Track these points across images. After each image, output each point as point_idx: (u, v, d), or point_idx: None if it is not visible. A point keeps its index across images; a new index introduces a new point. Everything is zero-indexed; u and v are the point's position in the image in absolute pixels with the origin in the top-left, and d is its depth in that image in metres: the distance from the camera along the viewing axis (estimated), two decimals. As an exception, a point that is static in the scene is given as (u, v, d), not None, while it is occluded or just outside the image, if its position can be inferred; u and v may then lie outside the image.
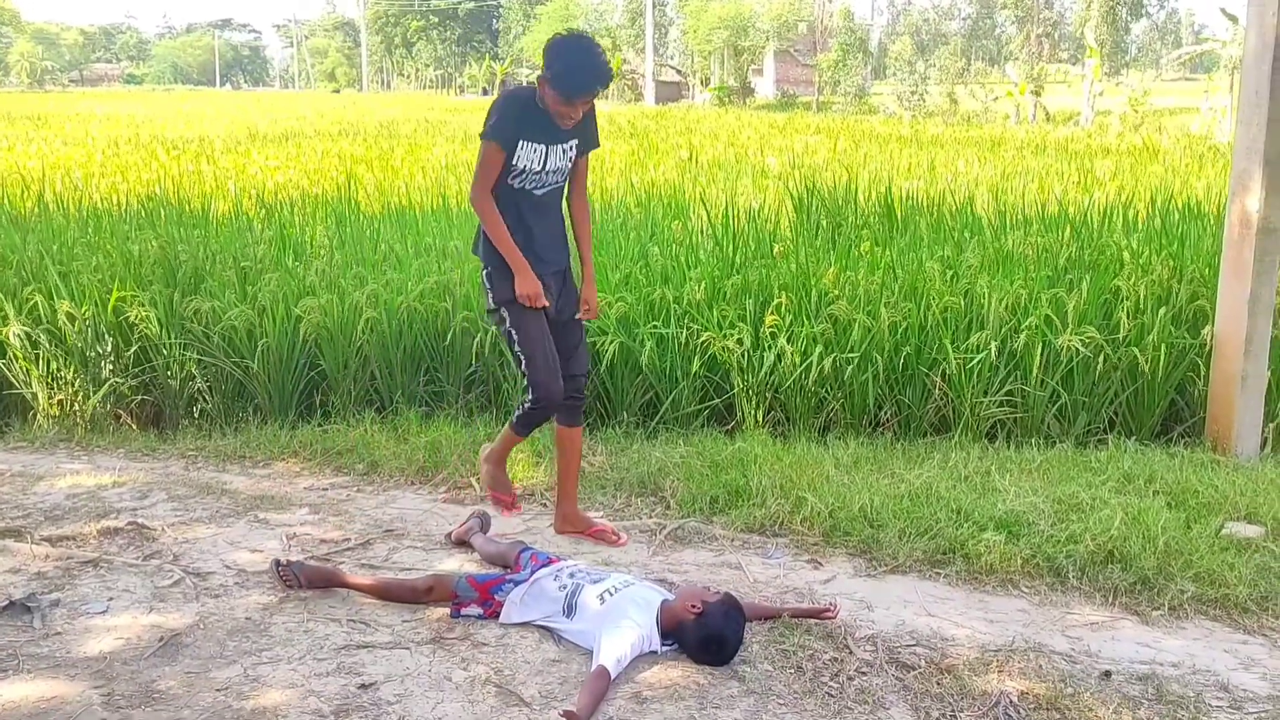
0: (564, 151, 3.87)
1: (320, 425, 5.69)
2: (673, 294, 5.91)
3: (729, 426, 5.66)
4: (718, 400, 5.74)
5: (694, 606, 3.21)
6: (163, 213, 8.49)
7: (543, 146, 3.78)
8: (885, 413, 5.65)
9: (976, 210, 8.55)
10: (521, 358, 3.94)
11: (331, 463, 5.24)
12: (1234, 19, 37.18)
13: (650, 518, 4.54)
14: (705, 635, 3.18)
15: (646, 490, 4.79)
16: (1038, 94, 44.95)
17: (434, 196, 10.42)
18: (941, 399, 5.55)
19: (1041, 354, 5.39)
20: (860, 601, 3.74)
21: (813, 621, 3.51)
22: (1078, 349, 5.32)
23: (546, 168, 3.83)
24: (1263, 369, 5.07)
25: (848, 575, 3.99)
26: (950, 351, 5.42)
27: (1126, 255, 6.20)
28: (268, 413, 5.93)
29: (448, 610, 3.51)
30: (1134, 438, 5.37)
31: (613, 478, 4.91)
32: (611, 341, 5.61)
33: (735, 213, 7.99)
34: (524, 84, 4.18)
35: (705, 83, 67.18)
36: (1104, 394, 5.51)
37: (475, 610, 3.47)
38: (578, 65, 3.67)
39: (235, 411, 6.07)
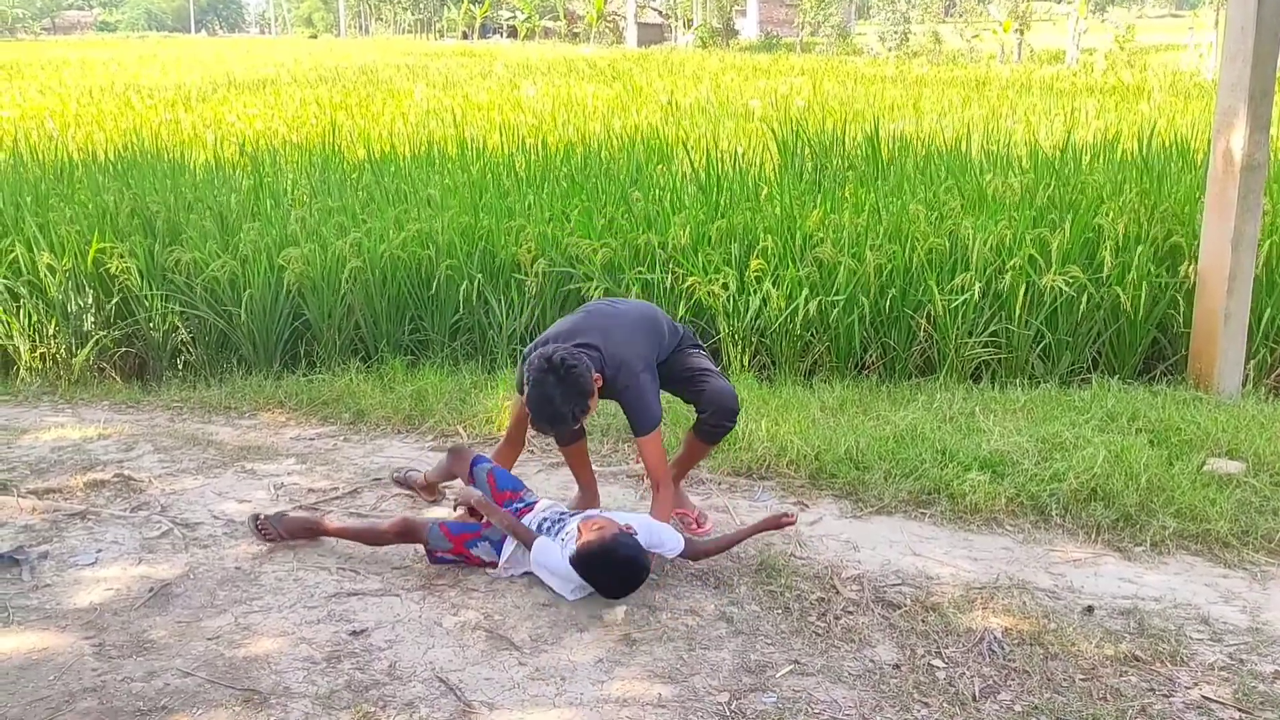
0: None
1: (305, 375, 5.68)
2: (657, 239, 5.87)
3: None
4: (704, 345, 5.73)
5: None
6: (141, 163, 8.37)
7: None
8: (870, 355, 5.66)
9: (963, 151, 8.50)
10: None
11: (318, 412, 5.24)
12: (1219, -47, 36.75)
13: (638, 462, 4.55)
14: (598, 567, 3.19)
15: (629, 436, 4.79)
16: (1022, 32, 44.50)
17: (417, 143, 10.30)
18: (926, 341, 5.57)
19: (1025, 294, 5.40)
20: (846, 542, 3.78)
21: (799, 561, 3.55)
22: (1061, 288, 5.33)
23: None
24: (1245, 306, 5.09)
25: (834, 517, 4.02)
26: (935, 293, 5.42)
27: (1108, 192, 6.18)
28: (252, 363, 5.91)
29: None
30: (1117, 376, 5.40)
31: (599, 423, 4.92)
32: (597, 287, 5.59)
33: (719, 157, 7.93)
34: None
35: (688, 24, 66.27)
36: (1087, 333, 5.53)
37: (449, 558, 3.49)
38: (530, 391, 3.36)
39: (220, 363, 6.04)
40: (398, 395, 5.25)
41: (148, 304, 6.03)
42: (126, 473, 4.29)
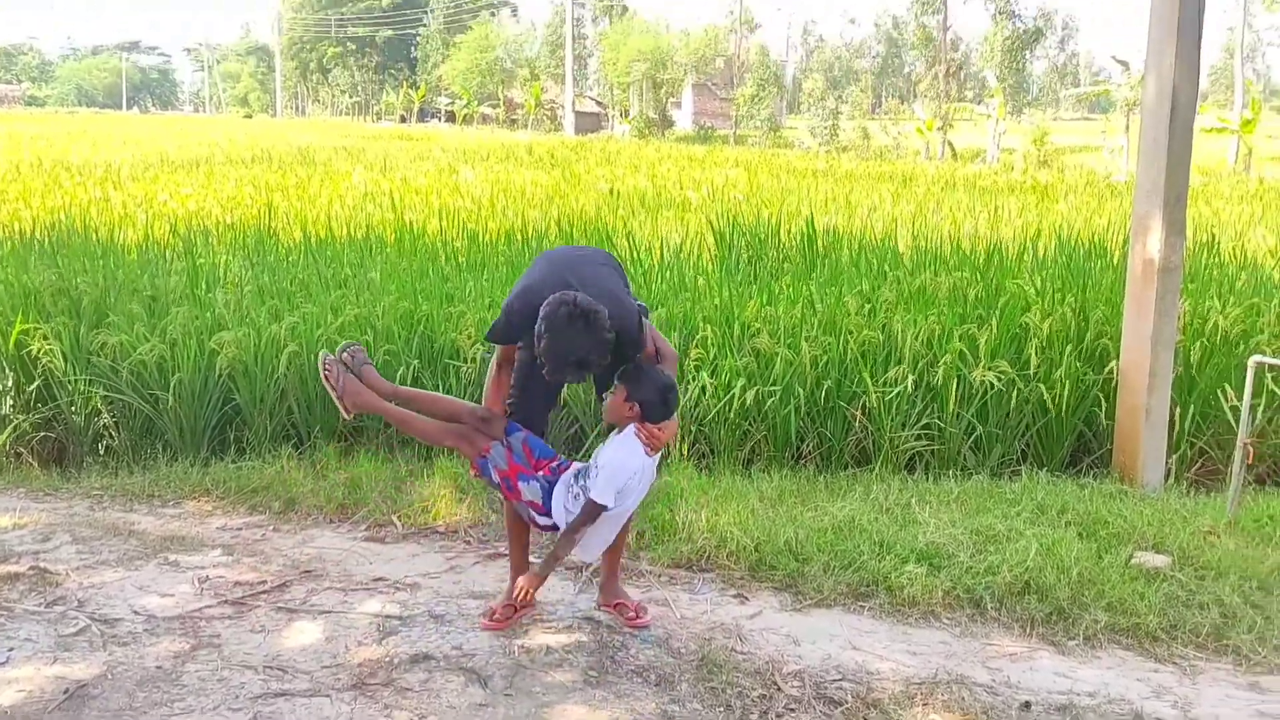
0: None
1: (234, 462, 5.54)
2: (597, 327, 5.90)
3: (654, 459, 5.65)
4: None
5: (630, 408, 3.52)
6: (68, 242, 8.22)
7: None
8: (807, 445, 5.71)
9: (892, 246, 8.73)
10: None
11: (245, 501, 5.10)
12: (1125, 64, 38.85)
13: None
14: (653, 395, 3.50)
15: (571, 526, 4.75)
16: (945, 131, 46.31)
17: (354, 226, 10.28)
18: (862, 431, 5.64)
19: (957, 388, 5.52)
20: (787, 636, 3.76)
21: (740, 657, 3.52)
22: (991, 383, 5.45)
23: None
24: (1165, 402, 5.26)
25: (774, 610, 4.01)
26: (870, 385, 5.51)
27: (1032, 293, 6.39)
28: (178, 449, 5.75)
29: (378, 636, 3.50)
30: (1045, 469, 5.51)
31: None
32: (536, 375, 5.58)
33: (659, 246, 8.04)
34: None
35: (624, 114, 67.74)
36: (1016, 426, 5.65)
37: (495, 479, 3.57)
38: (550, 343, 3.29)
39: (144, 449, 5.87)
40: (330, 483, 5.15)
41: (70, 388, 5.86)
42: (42, 565, 4.12)
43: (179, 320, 5.96)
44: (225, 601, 3.84)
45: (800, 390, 5.57)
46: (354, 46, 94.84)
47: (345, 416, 3.77)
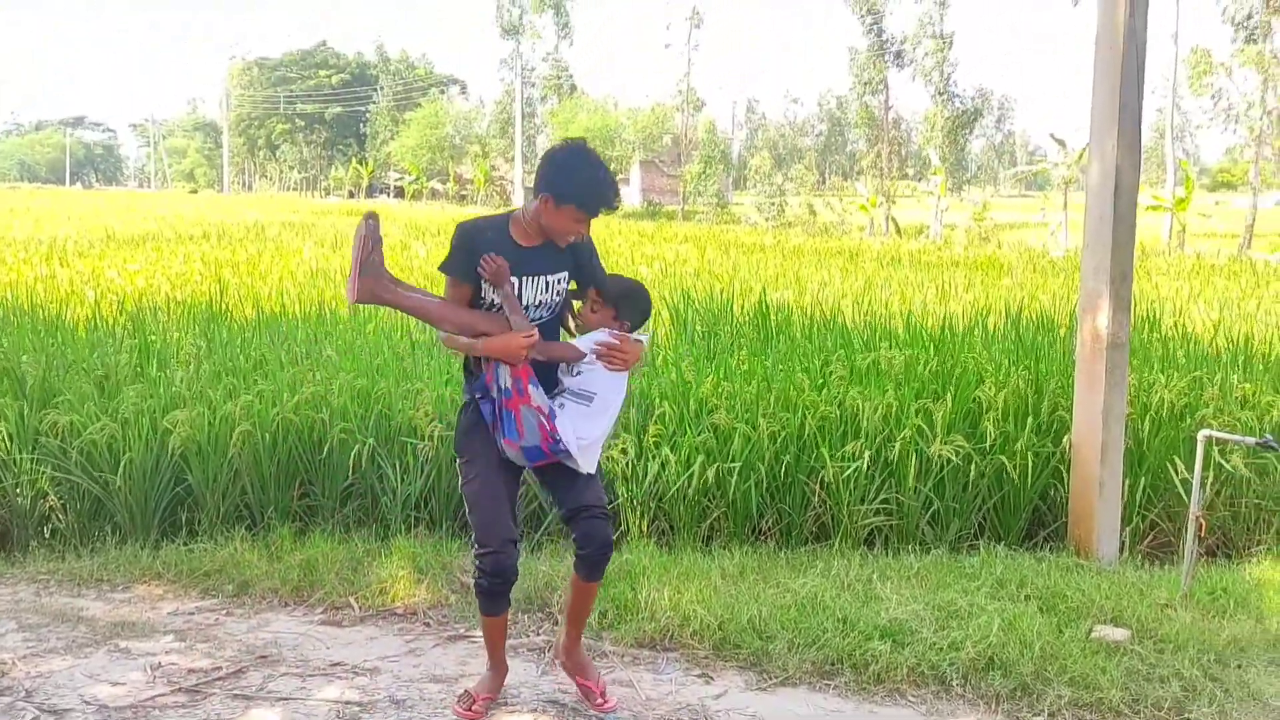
0: (548, 285, 3.49)
1: (186, 544, 5.41)
2: (555, 404, 5.90)
3: (614, 536, 5.61)
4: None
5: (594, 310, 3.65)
6: (13, 320, 8.07)
7: (514, 279, 3.41)
8: (767, 520, 5.72)
9: (843, 321, 8.88)
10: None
11: (198, 584, 4.97)
12: (1062, 143, 40.26)
13: (538, 635, 4.45)
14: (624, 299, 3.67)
15: (533, 606, 4.70)
16: (889, 207, 47.44)
17: (307, 302, 10.22)
18: (821, 507, 5.66)
19: (914, 462, 5.58)
20: (753, 717, 3.74)
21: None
22: (949, 458, 5.52)
23: (527, 303, 3.45)
24: (1118, 475, 5.36)
25: (739, 689, 3.98)
26: (828, 460, 5.55)
27: (987, 367, 6.51)
28: (128, 532, 5.61)
29: None
30: (1003, 543, 5.57)
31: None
32: (495, 453, 5.55)
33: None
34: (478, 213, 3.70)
35: (573, 190, 68.33)
36: (973, 500, 5.72)
37: (507, 381, 3.41)
38: (598, 178, 3.33)
39: (92, 531, 5.71)
40: (285, 565, 5.05)
41: (16, 469, 5.71)
42: (-14, 654, 3.97)
43: (131, 399, 5.86)
44: (179, 689, 3.73)
45: (759, 466, 5.60)
46: (303, 123, 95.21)
47: (348, 300, 3.54)
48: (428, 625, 4.54)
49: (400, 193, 77.32)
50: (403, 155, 75.03)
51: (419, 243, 23.50)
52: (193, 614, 4.64)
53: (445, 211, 51.45)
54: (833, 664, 4.12)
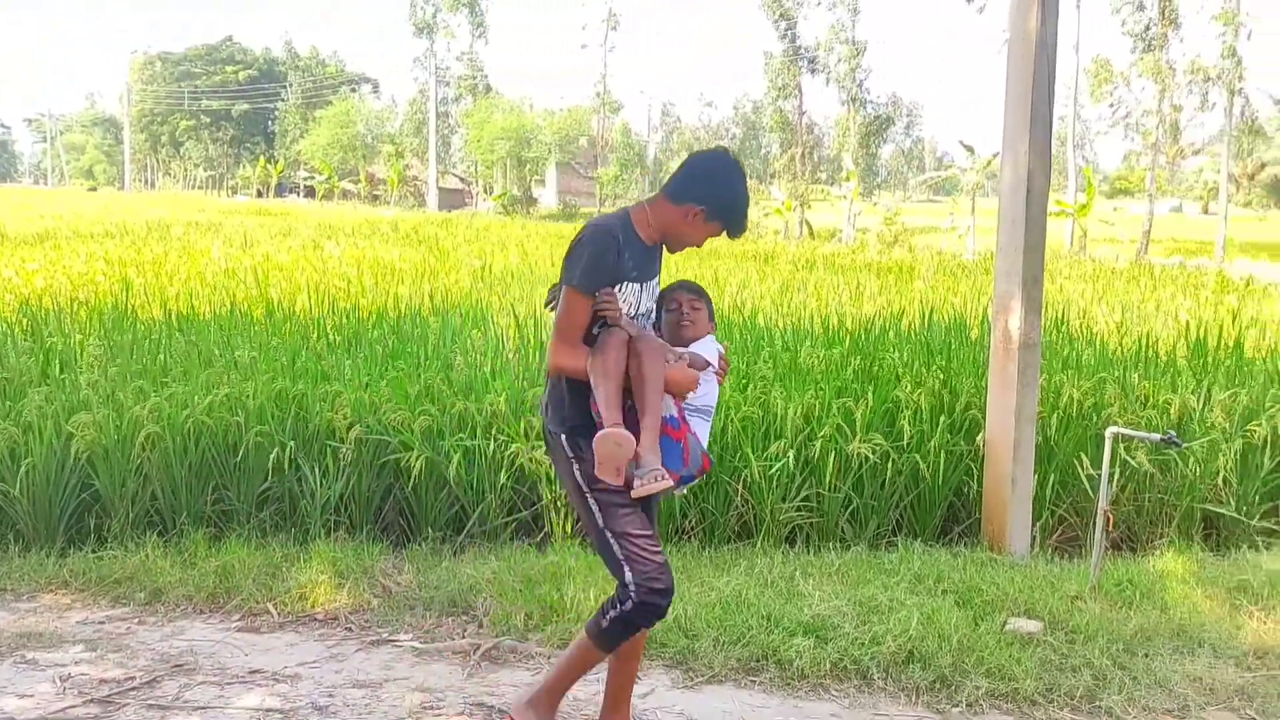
0: (653, 290, 3.23)
1: (94, 552, 5.23)
2: (475, 405, 5.85)
3: (538, 538, 5.61)
4: (525, 513, 5.69)
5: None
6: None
7: (638, 286, 3.11)
8: (690, 520, 5.75)
9: (764, 322, 8.98)
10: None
11: (108, 593, 4.81)
12: (970, 149, 41.34)
13: (463, 638, 4.41)
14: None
15: (457, 609, 4.66)
16: (803, 211, 48.12)
17: (217, 303, 9.96)
18: (744, 505, 5.72)
19: (834, 461, 5.67)
20: (681, 714, 3.76)
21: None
22: (867, 456, 5.63)
23: (639, 311, 3.16)
24: (1029, 473, 5.52)
25: (666, 687, 4.00)
26: (751, 459, 5.61)
27: (901, 367, 6.65)
28: (31, 539, 5.40)
29: None
30: (920, 539, 5.69)
31: (421, 597, 4.75)
32: (417, 456, 5.48)
33: (536, 321, 8.06)
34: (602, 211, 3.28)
35: (488, 191, 68.03)
36: (891, 498, 5.83)
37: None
38: (745, 198, 3.11)
39: (-9, 539, 5.48)
40: (200, 571, 4.91)
41: (-92, 475, 5.45)
42: (-121, 670, 3.78)
43: (34, 403, 5.64)
44: (90, 700, 3.60)
45: (683, 465, 5.62)
46: (208, 119, 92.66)
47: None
48: (349, 630, 4.46)
49: (311, 192, 75.81)
50: (313, 154, 73.59)
51: (331, 242, 23.08)
52: (103, 623, 4.49)
53: (358, 211, 50.61)
54: (757, 660, 4.16)
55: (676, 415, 3.12)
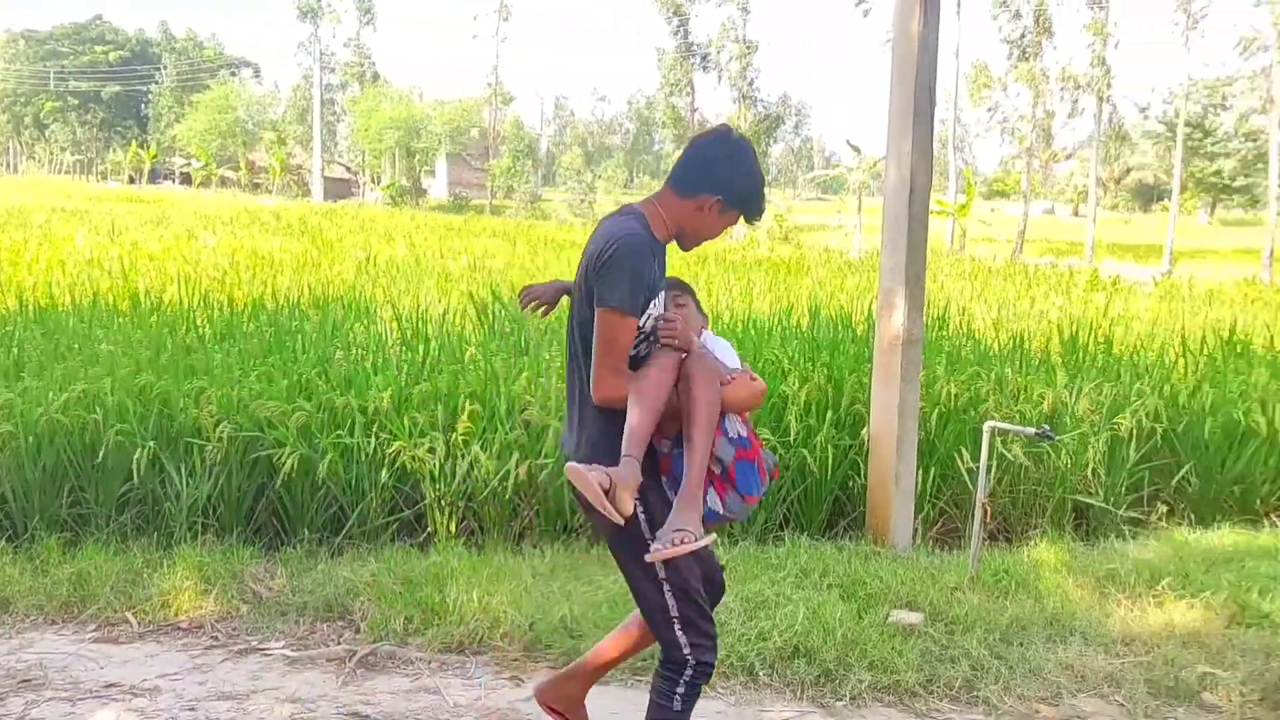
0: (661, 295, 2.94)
1: (-66, 560, 4.86)
2: (356, 402, 5.65)
3: (420, 538, 5.44)
4: (407, 512, 5.51)
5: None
6: None
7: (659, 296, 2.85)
8: (578, 517, 5.66)
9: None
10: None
11: (-52, 604, 4.47)
12: (857, 149, 42.25)
13: (339, 644, 4.24)
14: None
15: (333, 614, 4.48)
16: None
17: (80, 293, 9.44)
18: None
19: (722, 456, 5.64)
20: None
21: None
22: (754, 451, 5.61)
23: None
24: (912, 467, 5.60)
25: (550, 691, 3.90)
26: (638, 456, 5.54)
27: (786, 363, 6.68)
28: None
29: None
30: (806, 533, 5.72)
31: (295, 602, 4.55)
32: (290, 453, 5.25)
33: (422, 315, 7.85)
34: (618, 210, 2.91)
35: (376, 181, 66.67)
36: (778, 492, 5.84)
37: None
38: (760, 179, 2.86)
39: None
40: (53, 579, 4.60)
41: None
42: None
43: None
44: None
45: (570, 462, 5.53)
46: (76, 101, 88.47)
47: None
48: (216, 639, 4.24)
49: (187, 179, 73.05)
50: (189, 139, 70.95)
51: (207, 231, 22.23)
52: (-59, 638, 4.17)
53: (237, 200, 48.94)
54: (643, 660, 4.10)
55: (745, 433, 2.85)
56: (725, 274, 18.04)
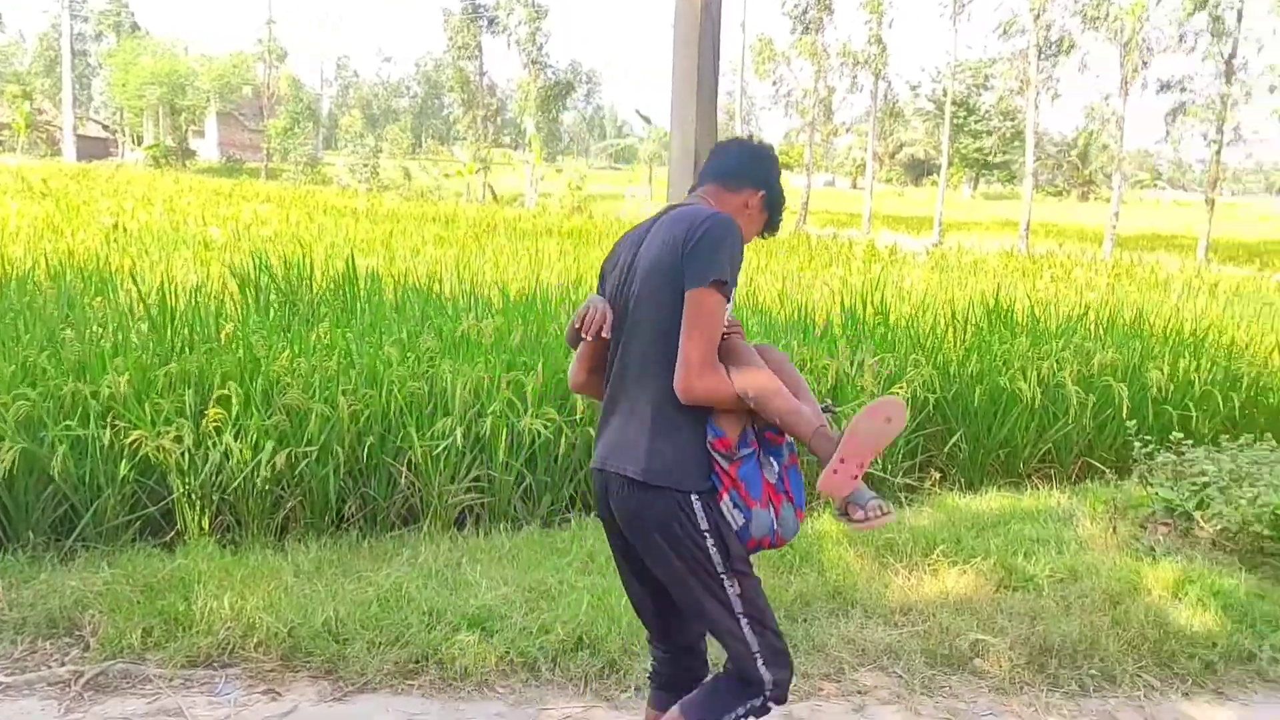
0: None
1: None
2: (89, 388, 5.02)
3: (168, 538, 4.90)
4: (152, 509, 4.96)
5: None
6: None
7: None
8: (349, 507, 5.27)
9: (438, 291, 8.53)
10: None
11: None
12: (647, 119, 42.60)
13: (64, 664, 3.73)
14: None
15: (58, 630, 3.95)
16: (485, 174, 47.68)
17: None
18: (409, 488, 5.31)
19: (506, 437, 5.38)
20: (327, 733, 3.34)
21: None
22: (539, 431, 5.38)
23: None
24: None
25: (311, 702, 3.57)
26: (416, 439, 5.20)
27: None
28: None
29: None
30: (593, 513, 5.54)
31: (11, 618, 3.98)
32: (10, 448, 4.60)
33: (173, 289, 7.15)
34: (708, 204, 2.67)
35: (138, 141, 61.98)
36: (565, 472, 5.64)
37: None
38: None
39: None
40: None
41: None
42: None
43: None
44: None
45: (339, 449, 5.13)
46: None
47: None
48: None
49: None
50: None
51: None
52: None
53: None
54: (417, 662, 3.83)
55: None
56: (515, 243, 17.69)
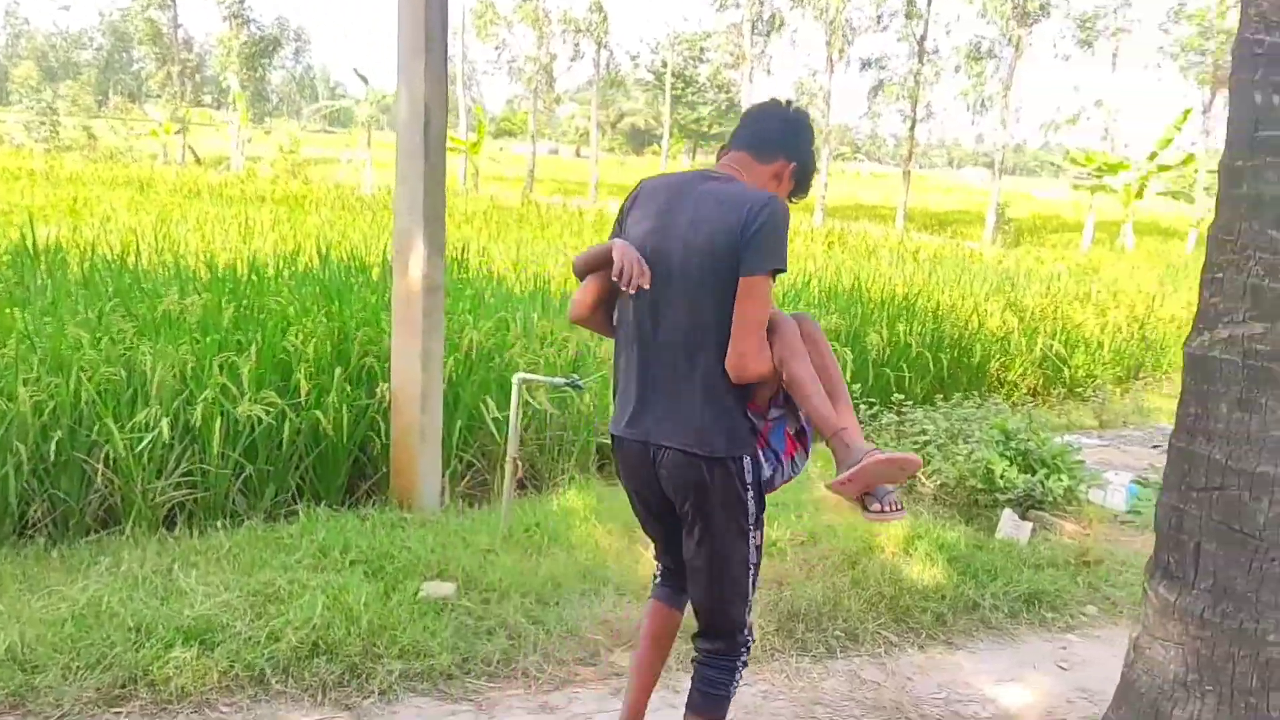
0: None
1: None
2: None
3: None
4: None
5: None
6: None
7: None
8: (35, 511, 4.61)
9: (135, 263, 7.68)
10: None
11: None
12: (365, 79, 40.86)
13: None
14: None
15: None
16: (184, 135, 44.18)
17: None
18: (107, 487, 4.71)
19: (220, 425, 4.88)
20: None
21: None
22: (259, 417, 4.92)
23: None
24: (438, 420, 5.23)
25: (-10, 746, 3.06)
26: (114, 432, 4.61)
27: (292, 312, 5.99)
28: None
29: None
30: (324, 502, 5.16)
31: None
32: None
33: None
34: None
35: None
36: (290, 460, 5.20)
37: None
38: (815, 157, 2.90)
39: None
40: None
41: None
42: None
43: None
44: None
45: (21, 446, 4.46)
46: None
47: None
48: None
49: None
50: None
51: None
52: None
53: None
54: (123, 686, 3.39)
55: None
56: (222, 209, 16.39)
